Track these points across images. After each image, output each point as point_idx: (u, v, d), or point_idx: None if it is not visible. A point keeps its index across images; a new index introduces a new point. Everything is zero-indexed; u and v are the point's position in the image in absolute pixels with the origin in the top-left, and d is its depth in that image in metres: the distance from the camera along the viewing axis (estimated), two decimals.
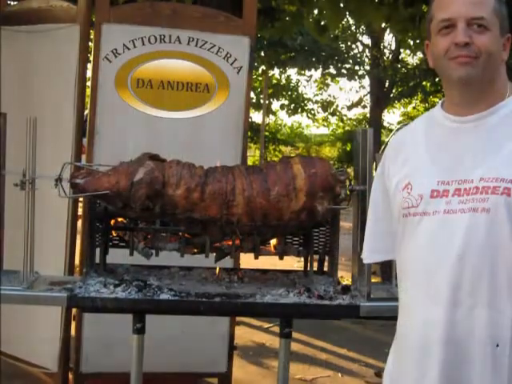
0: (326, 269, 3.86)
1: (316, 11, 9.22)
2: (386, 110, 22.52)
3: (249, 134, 5.41)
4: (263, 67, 18.51)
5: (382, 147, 2.99)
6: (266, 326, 7.26)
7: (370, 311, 3.40)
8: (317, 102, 25.50)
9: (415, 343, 2.11)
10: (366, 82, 22.04)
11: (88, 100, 4.74)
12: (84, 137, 4.65)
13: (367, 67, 20.22)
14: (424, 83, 17.21)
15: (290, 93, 24.54)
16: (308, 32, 13.78)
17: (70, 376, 4.76)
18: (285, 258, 3.75)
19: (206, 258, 3.68)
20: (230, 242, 3.63)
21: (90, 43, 4.88)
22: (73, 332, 4.72)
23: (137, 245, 3.64)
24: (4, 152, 3.43)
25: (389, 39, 21.11)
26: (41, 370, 4.91)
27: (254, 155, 24.37)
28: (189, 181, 3.33)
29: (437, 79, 13.75)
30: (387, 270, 6.53)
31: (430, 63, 2.26)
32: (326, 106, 25.52)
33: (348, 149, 24.29)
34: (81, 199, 4.36)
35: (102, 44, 4.53)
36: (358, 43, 20.56)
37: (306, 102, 25.20)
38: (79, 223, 4.62)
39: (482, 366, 2.00)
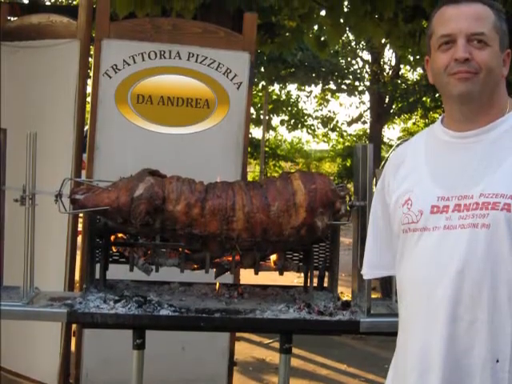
0: (326, 284, 3.85)
1: (316, 27, 9.27)
2: (386, 126, 22.52)
3: (249, 149, 5.41)
4: (263, 83, 18.50)
5: (382, 163, 3.00)
6: (266, 341, 7.24)
7: (370, 327, 3.39)
8: (317, 117, 25.47)
9: (415, 358, 2.10)
10: (366, 97, 22.03)
11: (88, 115, 4.74)
12: (84, 152, 4.65)
13: (367, 83, 20.20)
14: (424, 99, 17.20)
15: (289, 108, 24.53)
16: (308, 48, 13.81)
17: None
18: (285, 273, 3.74)
19: (206, 274, 3.67)
20: (230, 258, 3.62)
21: (90, 59, 4.89)
22: (73, 348, 4.71)
23: (137, 260, 3.63)
24: (4, 167, 3.43)
25: (389, 55, 21.24)
26: None
27: (253, 171, 24.41)
28: (189, 196, 3.33)
29: (437, 95, 13.76)
30: (387, 285, 6.52)
31: (429, 79, 2.27)
32: (325, 121, 25.48)
33: (348, 164, 24.24)
34: (81, 215, 4.36)
35: (101, 59, 4.54)
36: (358, 59, 20.57)
37: (305, 117, 25.18)
38: (79, 239, 4.61)
39: (482, 381, 1.99)
